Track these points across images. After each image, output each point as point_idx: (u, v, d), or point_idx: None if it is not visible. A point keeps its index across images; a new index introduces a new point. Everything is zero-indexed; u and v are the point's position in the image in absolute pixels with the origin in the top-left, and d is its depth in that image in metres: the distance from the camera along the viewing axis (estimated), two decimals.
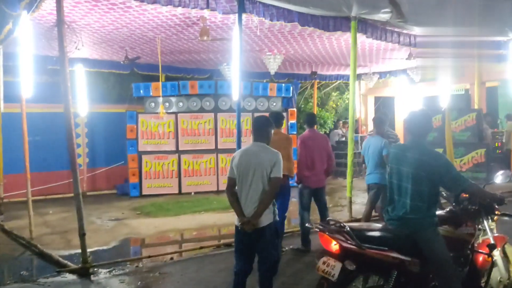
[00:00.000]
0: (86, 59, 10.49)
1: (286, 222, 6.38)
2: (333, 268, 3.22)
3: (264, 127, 4.17)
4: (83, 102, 10.98)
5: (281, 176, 4.02)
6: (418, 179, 3.50)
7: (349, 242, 3.28)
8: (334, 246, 3.27)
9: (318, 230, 3.39)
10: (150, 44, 9.08)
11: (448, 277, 3.47)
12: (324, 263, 3.28)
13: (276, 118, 6.14)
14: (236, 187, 4.07)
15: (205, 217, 8.64)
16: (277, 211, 4.13)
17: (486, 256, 3.82)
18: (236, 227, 4.07)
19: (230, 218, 8.30)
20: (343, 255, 3.25)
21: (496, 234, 4.00)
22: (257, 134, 4.16)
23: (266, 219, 3.94)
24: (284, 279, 5.11)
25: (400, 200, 3.61)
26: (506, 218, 4.09)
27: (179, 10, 6.39)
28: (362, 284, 3.54)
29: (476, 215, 3.88)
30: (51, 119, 10.65)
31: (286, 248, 6.13)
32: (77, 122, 11.21)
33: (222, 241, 6.98)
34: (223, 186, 11.23)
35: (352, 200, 7.75)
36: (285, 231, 6.38)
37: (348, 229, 3.30)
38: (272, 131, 4.30)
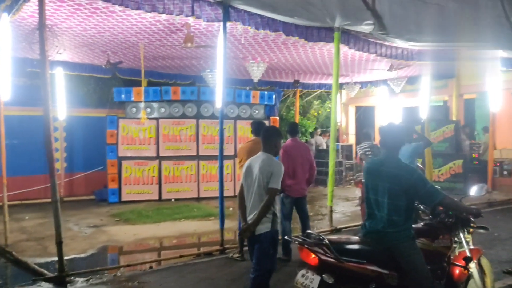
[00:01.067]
0: (67, 62, 10.34)
1: None
2: (312, 281, 3.23)
3: (272, 137, 4.26)
4: (62, 106, 10.79)
5: (278, 188, 4.08)
6: (394, 193, 3.52)
7: (327, 255, 3.30)
8: (313, 259, 3.28)
9: (297, 243, 3.40)
10: (133, 49, 9.00)
11: None
12: (303, 276, 3.30)
13: (258, 127, 6.16)
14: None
15: (185, 224, 8.56)
16: (278, 221, 4.19)
17: (463, 268, 3.88)
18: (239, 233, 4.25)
19: (210, 226, 8.31)
20: (321, 268, 3.26)
21: (472, 247, 4.06)
22: (264, 144, 4.26)
23: (263, 227, 4.03)
24: None
25: (377, 214, 3.63)
26: (481, 230, 4.17)
27: (164, 16, 6.35)
28: None
29: (452, 228, 3.94)
30: (29, 122, 10.43)
31: None
32: (56, 126, 10.99)
33: (202, 249, 6.93)
34: (204, 193, 11.32)
35: (332, 209, 7.78)
36: None
37: (326, 242, 3.32)
38: (281, 142, 4.42)
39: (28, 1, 5.91)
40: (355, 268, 3.32)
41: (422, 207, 4.01)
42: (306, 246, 3.33)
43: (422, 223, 4.04)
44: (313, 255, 3.27)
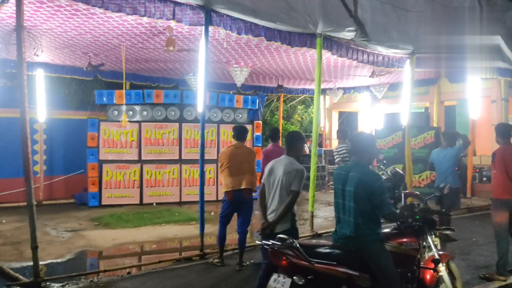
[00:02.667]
0: (47, 64, 10.20)
1: (248, 235, 6.35)
2: (283, 284, 3.28)
3: (296, 142, 4.57)
4: (42, 108, 10.64)
5: (299, 191, 4.39)
6: (359, 197, 3.64)
7: (298, 257, 3.32)
8: (283, 261, 3.32)
9: (267, 247, 3.42)
10: (115, 51, 8.92)
11: None
12: (274, 280, 3.35)
13: (239, 132, 6.16)
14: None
15: (166, 229, 8.48)
16: (296, 219, 4.49)
17: (432, 271, 3.99)
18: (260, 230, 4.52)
19: (191, 231, 8.25)
20: (292, 270, 3.30)
21: (440, 252, 4.19)
22: (288, 148, 4.56)
23: (283, 226, 4.33)
24: None
25: (345, 219, 3.73)
26: (448, 232, 4.28)
27: (145, 19, 6.31)
28: None
29: (419, 232, 4.06)
30: (8, 124, 10.24)
31: (247, 263, 6.08)
32: (35, 128, 10.84)
33: (182, 255, 6.86)
34: (186, 197, 11.24)
35: (314, 214, 7.78)
36: (247, 245, 6.34)
37: (297, 245, 3.36)
38: (303, 146, 4.68)
39: (7, 2, 5.81)
40: (325, 269, 3.36)
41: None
42: (276, 249, 3.36)
43: (390, 228, 4.13)
44: (284, 258, 3.30)
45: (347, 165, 3.99)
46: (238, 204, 6.02)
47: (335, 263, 3.43)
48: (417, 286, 3.94)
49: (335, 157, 8.02)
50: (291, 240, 3.39)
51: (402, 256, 3.82)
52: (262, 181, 4.63)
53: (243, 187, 5.94)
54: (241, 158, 6.05)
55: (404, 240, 3.92)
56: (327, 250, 3.55)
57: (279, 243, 3.42)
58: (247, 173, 6.02)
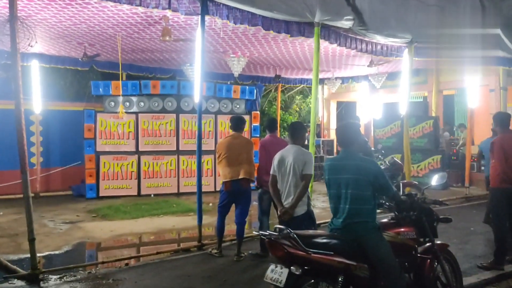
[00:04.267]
0: (43, 55, 10.10)
1: (246, 226, 6.34)
2: (281, 274, 3.28)
3: (299, 131, 4.88)
4: (38, 99, 10.56)
5: (311, 173, 4.72)
6: (357, 183, 3.65)
7: (295, 247, 3.31)
8: (280, 251, 3.31)
9: (264, 237, 3.41)
10: (111, 41, 8.82)
11: (394, 280, 3.59)
12: (272, 271, 3.35)
13: (237, 123, 6.14)
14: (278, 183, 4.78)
15: (164, 220, 8.47)
16: (311, 203, 4.85)
17: (430, 260, 4.00)
18: (278, 216, 4.76)
19: (189, 222, 8.23)
20: (289, 260, 3.29)
21: (438, 242, 4.20)
22: (293, 137, 4.86)
23: (301, 209, 4.63)
24: (241, 285, 5.05)
25: (341, 207, 3.72)
26: (444, 222, 4.28)
27: (141, 9, 6.22)
28: None
29: (417, 221, 4.05)
30: (5, 116, 10.14)
31: (245, 254, 6.07)
32: (32, 119, 10.76)
33: (180, 246, 6.85)
34: (183, 188, 11.22)
35: (312, 204, 7.74)
36: (245, 235, 6.34)
37: (294, 235, 3.35)
38: (306, 134, 5.01)
39: None
40: (322, 259, 3.35)
41: (387, 205, 4.09)
42: (273, 239, 3.35)
43: (388, 218, 4.14)
44: (280, 248, 3.29)
45: (337, 156, 4.05)
46: (236, 194, 6.00)
47: (332, 253, 3.42)
48: (415, 275, 3.95)
49: None
50: (288, 230, 3.38)
51: (400, 245, 3.82)
52: (271, 172, 4.85)
53: (241, 177, 5.92)
54: (239, 149, 6.02)
55: (402, 229, 3.92)
56: (324, 240, 3.53)
57: (276, 233, 3.39)
58: (245, 163, 6.00)
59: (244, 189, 6.01)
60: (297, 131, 4.87)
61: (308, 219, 4.72)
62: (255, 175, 6.33)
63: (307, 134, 8.69)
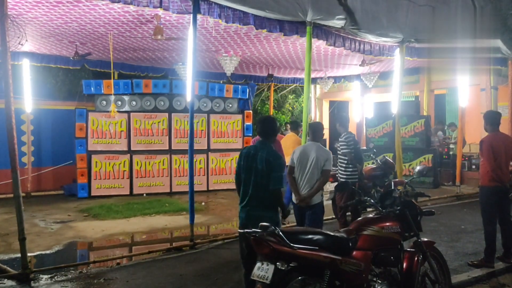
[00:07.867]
0: (34, 53, 10.04)
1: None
2: (267, 271, 3.28)
3: (320, 131, 5.50)
4: (29, 98, 10.48)
5: (331, 169, 5.23)
6: (265, 174, 4.09)
7: (280, 244, 3.32)
8: (265, 248, 3.31)
9: (248, 235, 3.42)
10: (102, 40, 8.79)
11: None
12: (258, 268, 3.34)
13: (315, 131, 5.72)
14: (294, 174, 5.28)
15: (156, 219, 8.44)
16: (323, 196, 5.33)
17: (416, 255, 4.03)
18: (293, 202, 5.32)
19: (181, 221, 8.22)
20: (274, 256, 3.30)
21: (425, 239, 4.23)
22: (314, 135, 5.48)
23: (316, 198, 5.18)
24: (232, 284, 5.05)
25: (249, 192, 4.21)
26: (427, 216, 4.31)
27: (132, 7, 6.21)
28: None
29: (400, 215, 4.09)
30: None
31: None
32: (23, 118, 10.69)
33: (173, 245, 6.84)
34: (176, 188, 11.19)
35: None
36: (231, 235, 6.33)
37: (279, 232, 3.36)
38: (323, 132, 5.60)
39: None
40: (307, 254, 3.36)
41: (372, 202, 4.13)
42: (258, 236, 3.36)
43: (373, 213, 4.17)
44: (266, 245, 3.30)
45: (254, 145, 4.40)
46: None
47: (317, 248, 3.43)
48: (402, 270, 3.96)
49: (341, 147, 6.91)
50: (273, 227, 3.38)
51: (384, 239, 3.86)
52: (290, 164, 5.29)
53: None
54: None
55: (386, 224, 3.95)
56: (309, 236, 3.55)
57: (261, 231, 3.40)
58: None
59: None
60: (319, 130, 5.49)
61: (322, 207, 5.26)
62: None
63: (299, 133, 8.71)
